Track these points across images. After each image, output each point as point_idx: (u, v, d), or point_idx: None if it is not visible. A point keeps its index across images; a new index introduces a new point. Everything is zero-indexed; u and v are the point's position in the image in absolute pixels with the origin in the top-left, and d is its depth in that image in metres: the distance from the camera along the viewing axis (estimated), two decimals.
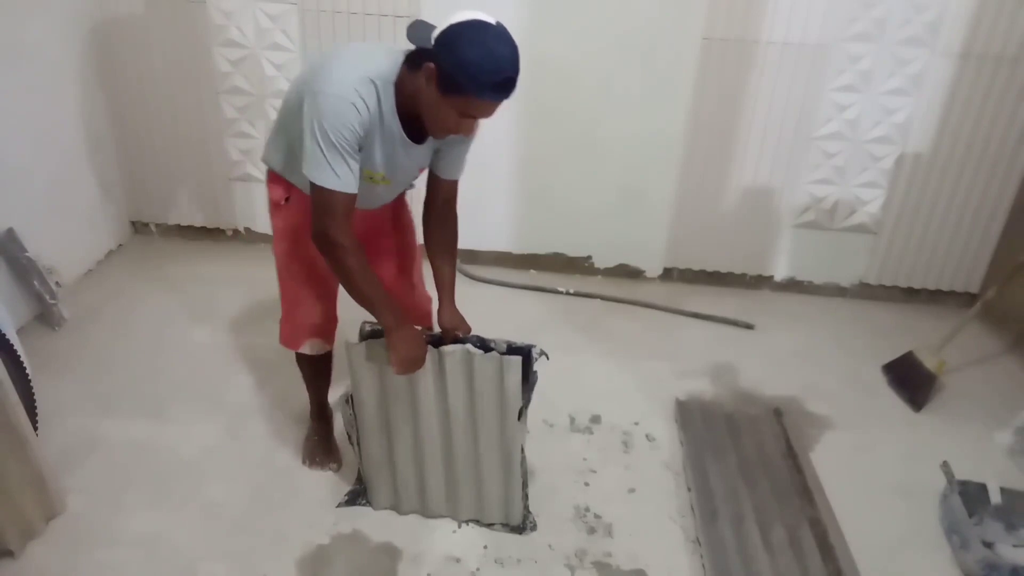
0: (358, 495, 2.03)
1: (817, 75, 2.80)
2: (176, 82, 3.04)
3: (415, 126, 1.59)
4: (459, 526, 1.97)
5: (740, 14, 2.74)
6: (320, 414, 2.19)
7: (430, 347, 1.73)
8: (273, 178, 1.82)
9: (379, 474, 1.95)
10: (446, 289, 1.84)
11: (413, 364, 1.69)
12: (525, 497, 1.94)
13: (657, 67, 2.86)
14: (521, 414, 1.78)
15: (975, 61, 2.72)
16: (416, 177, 1.83)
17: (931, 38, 2.70)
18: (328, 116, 1.48)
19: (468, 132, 1.56)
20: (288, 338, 1.98)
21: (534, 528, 1.96)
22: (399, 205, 1.97)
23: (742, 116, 2.91)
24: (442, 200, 1.84)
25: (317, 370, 2.09)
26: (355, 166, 1.54)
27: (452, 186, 1.83)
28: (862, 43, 2.74)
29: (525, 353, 1.75)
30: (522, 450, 1.86)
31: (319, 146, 1.50)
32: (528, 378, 1.77)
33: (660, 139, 2.98)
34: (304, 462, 2.15)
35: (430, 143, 1.69)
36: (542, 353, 1.78)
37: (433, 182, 1.82)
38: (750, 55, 2.80)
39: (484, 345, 1.77)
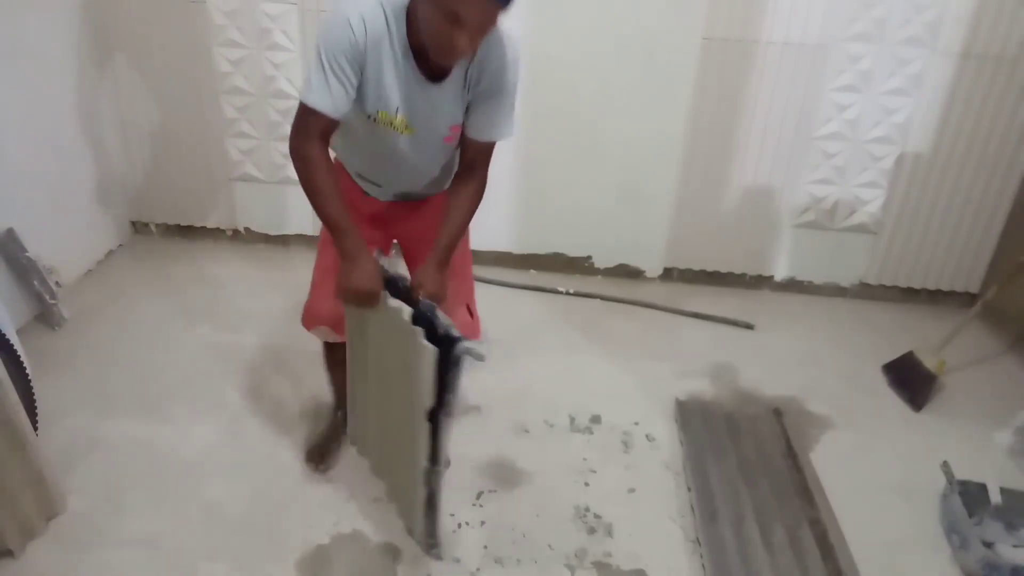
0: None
1: (817, 75, 2.80)
2: (176, 82, 3.04)
3: (430, 63, 1.51)
4: (459, 526, 1.97)
5: (740, 14, 2.74)
6: (335, 410, 2.19)
7: (385, 293, 1.61)
8: None
9: (350, 401, 1.98)
10: (436, 247, 1.67)
11: (354, 297, 1.60)
12: (431, 520, 1.74)
13: (657, 67, 2.86)
14: (434, 417, 1.56)
15: (975, 61, 2.72)
16: (447, 137, 1.66)
17: (931, 38, 2.70)
18: (324, 35, 1.47)
19: (465, 49, 1.41)
20: (304, 317, 1.96)
21: (438, 558, 1.82)
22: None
23: (742, 116, 2.91)
24: (468, 160, 1.70)
25: (334, 360, 2.06)
26: (339, 89, 1.48)
27: (481, 148, 1.68)
28: (862, 43, 2.74)
29: (447, 345, 1.49)
30: (433, 464, 1.63)
31: (312, 64, 1.48)
32: (445, 378, 1.52)
33: (660, 139, 2.98)
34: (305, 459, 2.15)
35: (453, 89, 1.57)
36: (469, 351, 1.49)
37: (463, 142, 1.70)
38: (750, 55, 2.80)
39: (428, 317, 1.55)
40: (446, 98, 1.58)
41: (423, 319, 1.55)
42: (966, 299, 3.13)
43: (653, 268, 3.28)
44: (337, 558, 1.86)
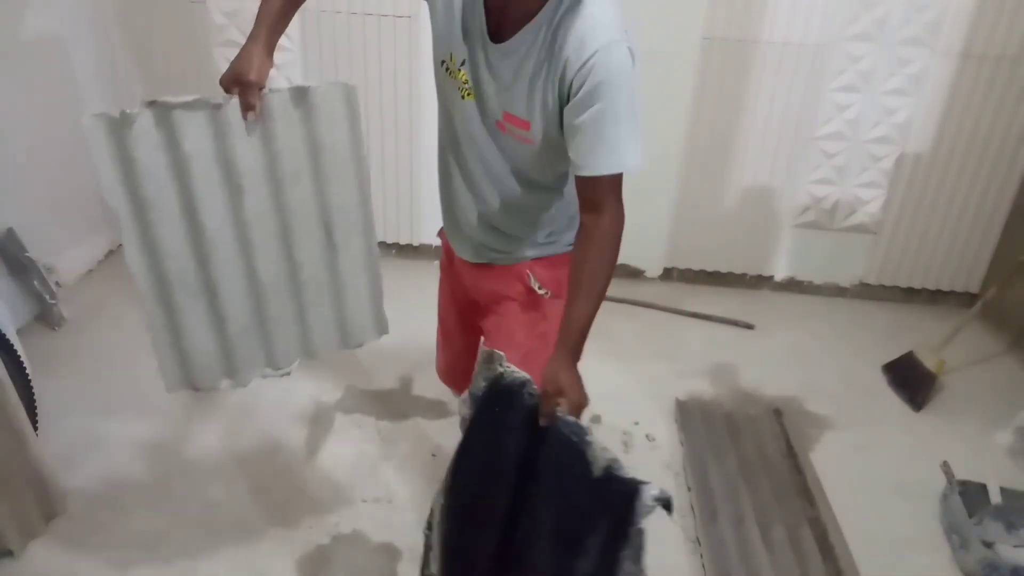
0: None
1: (817, 75, 2.80)
2: (176, 82, 3.04)
3: (505, 22, 1.21)
4: None
5: (740, 14, 2.74)
6: None
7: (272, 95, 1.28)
8: None
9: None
10: (563, 332, 1.29)
11: (231, 80, 1.26)
12: None
13: (657, 67, 2.85)
14: None
15: (975, 61, 2.72)
16: (500, 123, 1.28)
17: (931, 38, 2.70)
18: None
19: None
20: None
21: None
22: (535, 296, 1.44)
23: (742, 116, 2.91)
24: (584, 201, 1.27)
25: None
26: None
27: (591, 185, 1.23)
28: (862, 43, 2.74)
29: (618, 491, 1.05)
30: None
31: None
32: (616, 541, 1.06)
33: (660, 139, 2.98)
34: None
35: (520, 66, 1.21)
36: (661, 500, 1.04)
37: (576, 181, 1.29)
38: (750, 55, 2.80)
39: (575, 445, 1.11)
40: (512, 72, 1.22)
41: (567, 447, 1.10)
42: (966, 299, 3.13)
43: (653, 268, 3.28)
44: (337, 558, 1.86)
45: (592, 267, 1.24)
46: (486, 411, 1.23)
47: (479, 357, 1.26)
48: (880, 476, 2.22)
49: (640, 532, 1.04)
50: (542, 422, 1.16)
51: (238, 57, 1.25)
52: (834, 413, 2.48)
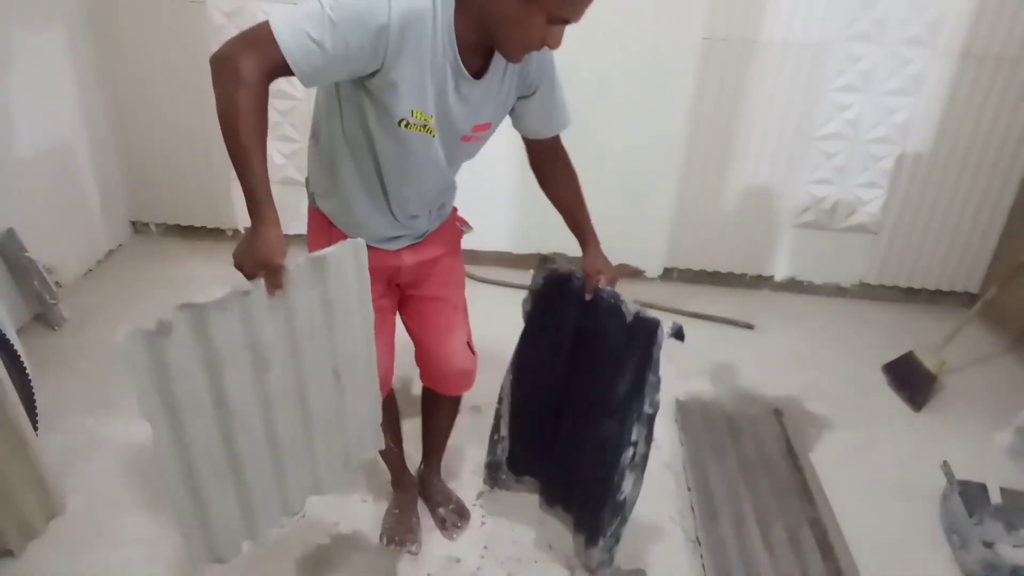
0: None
1: (817, 75, 2.80)
2: (176, 82, 3.04)
3: (475, 57, 1.34)
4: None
5: (740, 14, 2.74)
6: (396, 481, 2.00)
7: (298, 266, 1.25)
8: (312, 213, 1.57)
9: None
10: (585, 230, 1.67)
11: (257, 267, 1.19)
12: None
13: (657, 67, 2.86)
14: (628, 407, 1.69)
15: (975, 61, 2.72)
16: (466, 136, 1.44)
17: (931, 38, 2.70)
18: None
19: (556, 44, 1.31)
20: None
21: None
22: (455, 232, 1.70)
23: (742, 116, 2.91)
24: (544, 152, 1.63)
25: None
26: (331, 53, 1.22)
27: (551, 142, 1.62)
28: (862, 43, 2.74)
29: (646, 328, 1.61)
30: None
31: (318, 3, 1.19)
32: (644, 361, 1.63)
33: (660, 139, 2.98)
34: (381, 538, 1.92)
35: (492, 86, 1.39)
36: (676, 332, 1.62)
37: (529, 146, 1.63)
38: (750, 55, 2.80)
39: (615, 304, 1.60)
40: (483, 95, 1.40)
41: (608, 307, 1.60)
42: (966, 299, 3.13)
43: (653, 268, 3.28)
44: (337, 558, 1.86)
45: (573, 181, 1.70)
46: (542, 300, 1.72)
47: (537, 263, 1.72)
48: (880, 476, 2.22)
49: (659, 348, 1.58)
50: (588, 296, 1.62)
51: (258, 244, 1.17)
52: (834, 413, 2.48)
